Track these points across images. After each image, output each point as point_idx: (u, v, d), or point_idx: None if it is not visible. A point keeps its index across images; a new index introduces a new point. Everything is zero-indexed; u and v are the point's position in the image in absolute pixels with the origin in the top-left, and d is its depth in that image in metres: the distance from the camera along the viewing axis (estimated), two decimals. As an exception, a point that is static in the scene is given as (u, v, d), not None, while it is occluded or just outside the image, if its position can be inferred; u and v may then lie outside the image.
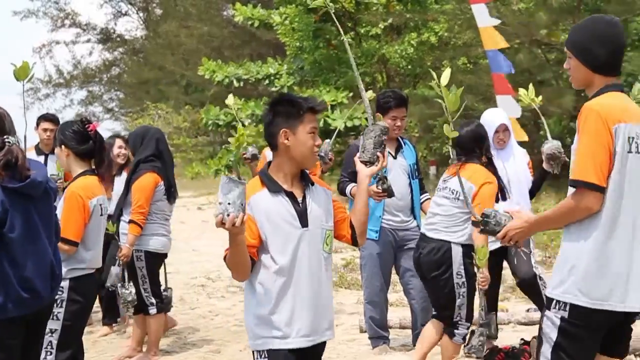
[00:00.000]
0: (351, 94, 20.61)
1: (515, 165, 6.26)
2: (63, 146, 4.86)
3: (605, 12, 16.15)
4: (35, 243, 3.97)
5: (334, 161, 7.31)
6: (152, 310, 6.61)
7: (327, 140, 7.09)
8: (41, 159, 7.43)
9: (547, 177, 6.40)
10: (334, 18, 5.05)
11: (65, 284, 4.59)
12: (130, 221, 6.44)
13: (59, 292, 4.56)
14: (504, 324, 7.39)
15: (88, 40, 48.53)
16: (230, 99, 6.22)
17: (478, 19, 9.41)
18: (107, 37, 48.46)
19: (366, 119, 4.85)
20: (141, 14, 48.44)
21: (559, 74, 17.76)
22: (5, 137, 3.87)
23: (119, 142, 7.68)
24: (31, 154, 7.59)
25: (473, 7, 9.55)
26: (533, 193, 6.40)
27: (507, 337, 6.78)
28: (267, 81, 22.58)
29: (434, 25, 20.69)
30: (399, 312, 7.70)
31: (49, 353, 4.57)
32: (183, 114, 31.60)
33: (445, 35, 20.49)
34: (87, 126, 4.85)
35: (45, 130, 7.48)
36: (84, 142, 4.85)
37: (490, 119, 6.20)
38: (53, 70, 48.94)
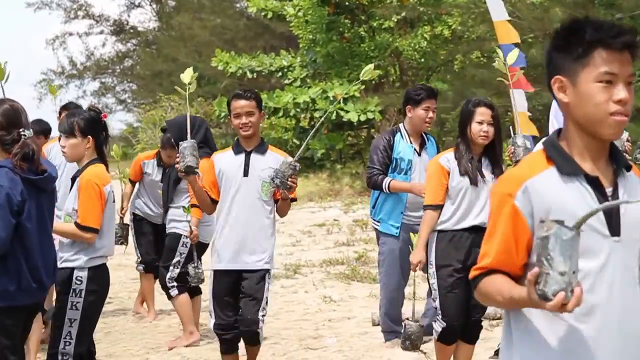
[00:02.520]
0: (364, 87, 20.59)
1: None
2: (89, 136, 4.74)
3: (620, 7, 16.06)
4: (45, 235, 4.17)
5: (295, 189, 5.15)
6: (174, 292, 6.78)
7: (284, 159, 5.09)
8: None
9: None
10: None
11: (84, 273, 4.62)
12: (193, 205, 6.47)
13: (77, 282, 4.60)
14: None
15: (101, 32, 48.63)
16: (187, 74, 5.13)
17: (492, 12, 9.38)
18: (120, 29, 48.50)
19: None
20: (154, 6, 48.45)
21: (573, 68, 17.66)
22: (21, 129, 4.04)
23: None
24: (53, 145, 7.46)
25: (487, 1, 9.52)
26: None
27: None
28: (280, 73, 22.58)
29: (448, 19, 20.65)
30: (408, 306, 7.69)
31: (67, 343, 4.59)
32: (195, 106, 31.63)
33: (458, 29, 20.44)
34: (100, 115, 4.85)
35: None
36: (101, 131, 4.84)
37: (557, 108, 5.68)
38: (66, 61, 48.99)
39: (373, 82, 21.37)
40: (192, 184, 5.21)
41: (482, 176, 5.19)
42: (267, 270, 5.30)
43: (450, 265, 5.21)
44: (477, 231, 5.12)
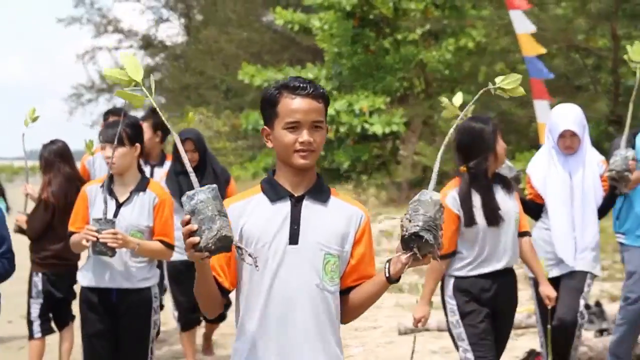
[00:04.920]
0: (389, 99, 20.69)
1: (583, 175, 5.25)
2: (137, 144, 4.52)
3: (644, 18, 16.06)
4: None
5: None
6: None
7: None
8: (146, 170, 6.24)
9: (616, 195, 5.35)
10: None
11: (156, 290, 4.57)
12: None
13: (155, 299, 4.52)
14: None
15: (130, 46, 49.07)
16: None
17: (516, 25, 9.49)
18: (148, 43, 48.97)
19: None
20: (182, 20, 48.88)
21: (597, 79, 17.66)
22: None
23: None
24: (97, 156, 6.53)
25: (511, 13, 9.63)
26: (601, 211, 5.32)
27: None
28: (305, 86, 22.72)
29: (472, 31, 20.72)
30: (438, 315, 7.78)
31: (150, 359, 4.55)
32: (223, 119, 31.91)
33: (482, 41, 20.50)
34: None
35: None
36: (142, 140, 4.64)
37: (555, 121, 5.31)
38: (96, 75, 49.52)
39: (398, 94, 21.49)
40: (202, 267, 2.59)
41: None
42: None
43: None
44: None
